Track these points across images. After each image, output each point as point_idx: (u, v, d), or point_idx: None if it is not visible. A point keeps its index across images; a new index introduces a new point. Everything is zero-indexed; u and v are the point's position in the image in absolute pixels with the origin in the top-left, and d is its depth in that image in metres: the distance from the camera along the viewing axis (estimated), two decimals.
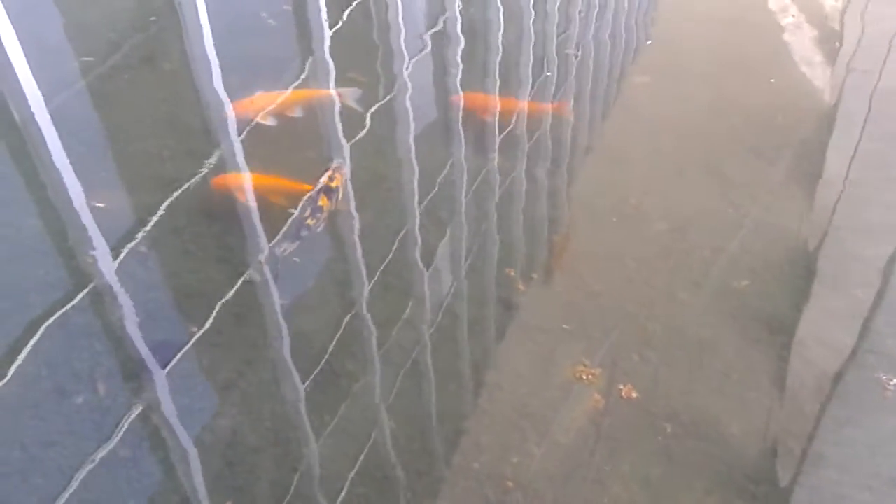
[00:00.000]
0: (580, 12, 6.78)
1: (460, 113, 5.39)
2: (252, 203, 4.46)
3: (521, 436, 3.50)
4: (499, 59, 5.90)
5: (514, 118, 5.42)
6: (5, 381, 3.55)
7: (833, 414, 3.60)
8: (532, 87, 5.77)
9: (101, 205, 4.37)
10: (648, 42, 6.17)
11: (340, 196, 4.56)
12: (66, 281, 4.09)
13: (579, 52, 6.17)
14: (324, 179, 4.58)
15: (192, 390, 3.61)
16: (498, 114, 5.40)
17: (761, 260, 4.36)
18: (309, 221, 4.34)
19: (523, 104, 5.52)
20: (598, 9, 6.95)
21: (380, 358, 3.84)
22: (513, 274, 4.28)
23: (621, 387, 3.63)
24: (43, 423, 3.41)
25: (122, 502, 3.22)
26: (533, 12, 6.55)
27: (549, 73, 5.78)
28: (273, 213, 4.43)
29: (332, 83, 5.45)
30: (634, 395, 3.60)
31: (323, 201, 4.45)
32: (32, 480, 3.23)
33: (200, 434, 3.44)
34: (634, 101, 5.61)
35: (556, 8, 6.71)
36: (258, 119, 4.87)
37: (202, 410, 3.54)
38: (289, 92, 5.17)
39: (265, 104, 4.94)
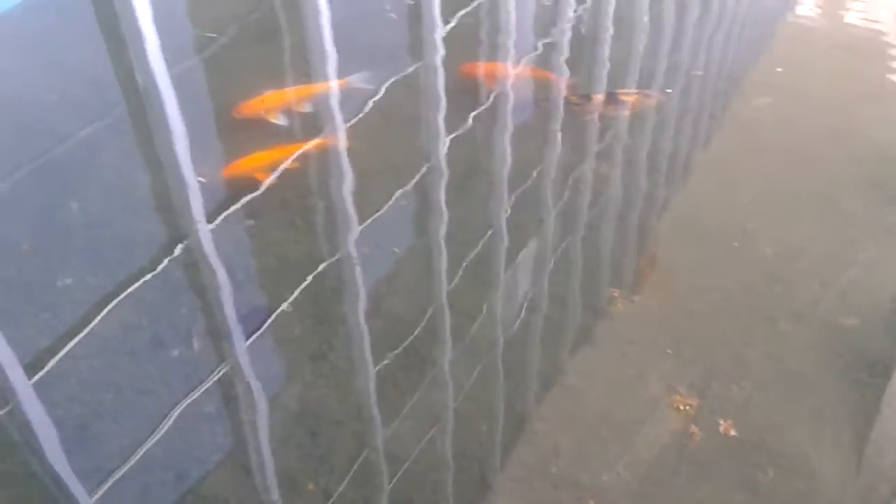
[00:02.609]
0: (695, 26, 6.63)
1: (559, 111, 5.36)
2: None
3: (602, 445, 3.44)
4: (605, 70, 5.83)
5: (618, 120, 5.34)
6: (106, 325, 3.70)
7: None
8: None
9: (202, 179, 4.49)
10: (779, 69, 5.98)
11: (626, 111, 5.17)
12: (172, 239, 4.24)
13: (703, 72, 6.05)
14: (622, 92, 5.17)
15: (282, 358, 3.68)
16: (599, 112, 5.35)
17: (871, 299, 4.17)
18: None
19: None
20: (717, 29, 6.79)
21: (466, 349, 3.83)
22: (609, 283, 4.21)
23: (721, 421, 3.51)
24: (139, 371, 3.54)
25: (204, 455, 3.30)
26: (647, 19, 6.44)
27: (669, 90, 5.67)
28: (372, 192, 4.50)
29: (440, 80, 5.48)
30: (733, 432, 3.48)
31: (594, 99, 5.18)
32: (123, 423, 3.35)
33: (286, 400, 3.51)
34: (752, 122, 5.44)
35: (671, 24, 6.58)
36: (266, 117, 4.87)
37: (290, 378, 3.60)
38: (297, 88, 5.21)
39: (274, 102, 4.95)
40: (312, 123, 5.01)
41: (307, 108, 5.01)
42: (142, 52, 5.31)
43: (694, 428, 3.47)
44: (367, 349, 3.77)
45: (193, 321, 3.78)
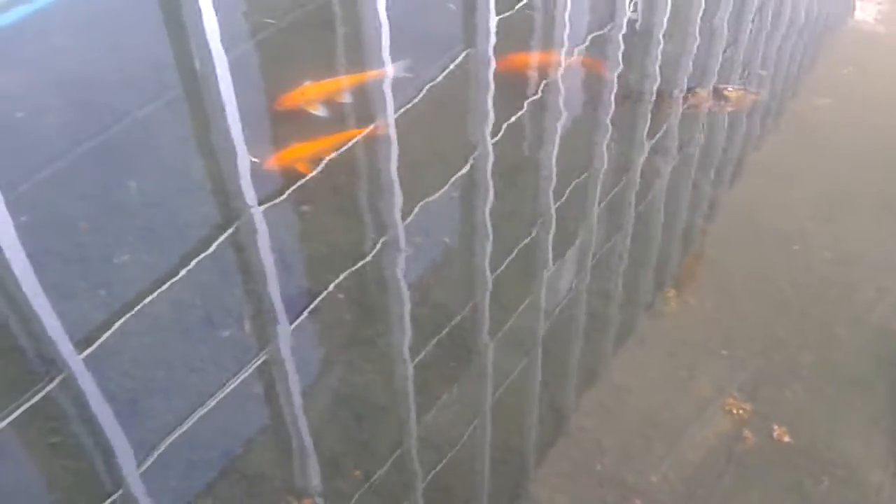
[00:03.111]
0: (752, 23, 6.50)
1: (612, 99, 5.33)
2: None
3: (647, 445, 3.40)
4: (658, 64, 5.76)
5: (673, 114, 5.28)
6: (160, 304, 3.76)
7: None
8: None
9: (255, 159, 4.53)
10: (845, 71, 5.85)
11: (729, 107, 5.26)
12: (224, 221, 4.29)
13: (766, 71, 5.96)
14: (726, 87, 5.34)
15: (331, 342, 3.70)
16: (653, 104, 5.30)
17: None
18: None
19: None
20: (775, 26, 6.65)
21: (512, 341, 3.82)
22: (661, 281, 4.17)
23: (775, 427, 3.45)
24: (190, 349, 3.59)
25: (251, 435, 3.34)
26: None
27: (730, 89, 5.60)
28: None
29: (490, 72, 5.46)
30: (787, 438, 3.41)
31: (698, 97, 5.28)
32: (173, 400, 3.40)
33: (333, 384, 3.53)
34: (811, 123, 5.32)
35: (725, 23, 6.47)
36: (307, 108, 4.82)
37: (338, 363, 3.63)
38: (337, 78, 5.14)
39: (315, 93, 4.91)
40: (356, 113, 5.02)
41: (347, 98, 4.97)
42: (201, 36, 5.36)
43: (747, 433, 3.41)
44: (409, 337, 3.77)
45: (245, 303, 3.83)
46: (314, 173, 4.47)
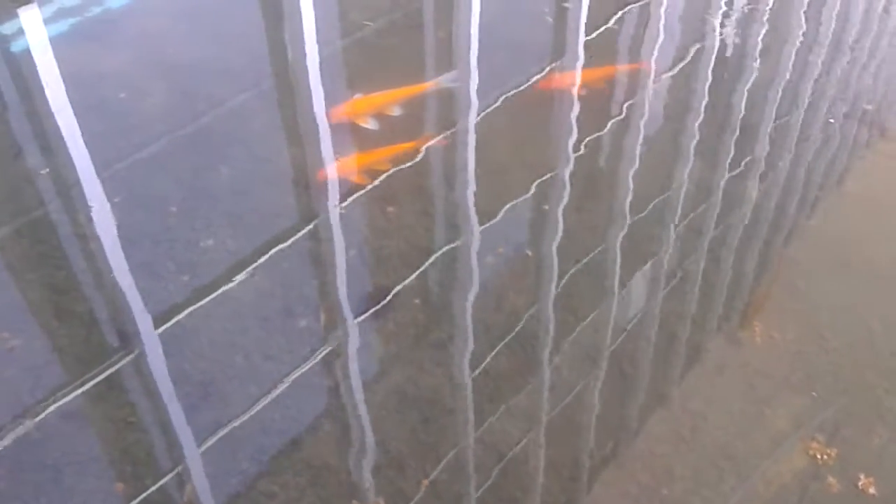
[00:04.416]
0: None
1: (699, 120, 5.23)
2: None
3: (719, 475, 3.31)
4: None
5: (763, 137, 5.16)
6: (241, 290, 3.84)
7: None
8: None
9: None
10: None
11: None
12: (307, 214, 4.36)
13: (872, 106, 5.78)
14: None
15: (402, 342, 3.71)
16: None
17: None
18: None
19: None
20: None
21: (587, 356, 3.77)
22: (743, 308, 4.05)
23: (861, 476, 3.31)
24: (267, 337, 3.64)
25: (317, 427, 3.37)
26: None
27: (832, 121, 5.47)
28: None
29: (577, 82, 5.41)
30: (872, 490, 3.27)
31: None
32: (248, 387, 3.46)
33: (403, 383, 3.54)
34: None
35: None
36: (358, 122, 4.77)
37: (409, 363, 3.63)
38: (387, 92, 5.01)
39: (365, 107, 4.85)
40: (435, 122, 5.02)
41: (396, 111, 4.87)
42: (297, 32, 5.47)
43: (831, 479, 3.28)
44: (470, 341, 3.75)
45: (322, 295, 3.87)
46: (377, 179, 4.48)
